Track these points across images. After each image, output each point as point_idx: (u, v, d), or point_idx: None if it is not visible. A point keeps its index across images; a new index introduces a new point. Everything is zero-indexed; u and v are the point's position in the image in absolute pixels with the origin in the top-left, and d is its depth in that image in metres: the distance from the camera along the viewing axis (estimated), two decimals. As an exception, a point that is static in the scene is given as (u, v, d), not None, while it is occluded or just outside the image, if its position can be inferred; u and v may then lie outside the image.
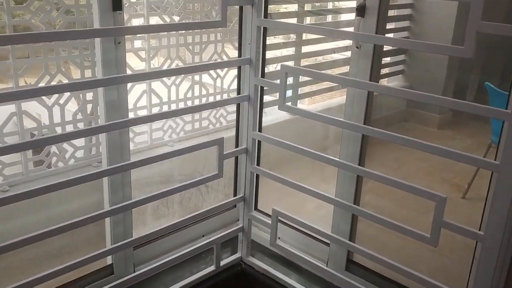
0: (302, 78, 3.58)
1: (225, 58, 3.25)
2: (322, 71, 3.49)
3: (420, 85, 4.08)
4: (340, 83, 1.90)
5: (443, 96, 4.04)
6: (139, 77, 2.13)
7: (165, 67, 2.97)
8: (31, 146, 1.70)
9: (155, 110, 2.97)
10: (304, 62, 3.89)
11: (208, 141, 1.93)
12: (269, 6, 2.03)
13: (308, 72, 1.97)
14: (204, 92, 3.24)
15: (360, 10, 1.79)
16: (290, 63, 3.58)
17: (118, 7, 1.66)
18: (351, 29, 2.00)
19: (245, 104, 2.05)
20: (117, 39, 1.69)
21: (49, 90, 1.77)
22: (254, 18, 1.91)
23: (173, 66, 2.96)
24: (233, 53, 3.33)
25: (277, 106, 1.88)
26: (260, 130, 2.15)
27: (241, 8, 2.01)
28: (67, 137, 1.76)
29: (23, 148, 1.90)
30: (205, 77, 3.23)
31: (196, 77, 3.18)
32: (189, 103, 3.17)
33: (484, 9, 1.36)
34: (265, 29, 2.00)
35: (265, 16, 1.95)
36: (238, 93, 2.17)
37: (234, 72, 3.04)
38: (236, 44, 2.77)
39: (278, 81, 1.87)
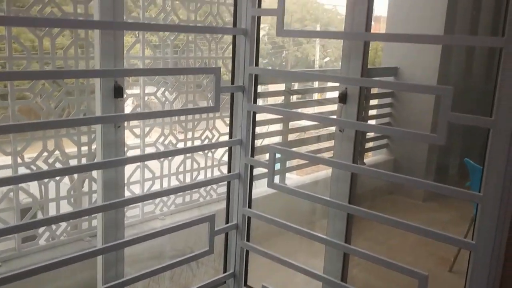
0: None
1: (216, 134, 3.39)
2: (308, 150, 3.65)
3: (404, 159, 4.24)
4: (325, 164, 2.02)
5: (427, 169, 4.17)
6: (137, 159, 2.24)
7: (159, 143, 3.08)
8: (27, 228, 1.76)
9: (148, 184, 3.05)
10: (292, 135, 4.05)
11: (199, 218, 2.00)
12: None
13: (294, 153, 2.10)
14: (195, 166, 3.34)
15: (342, 98, 1.95)
16: (278, 138, 3.74)
17: (119, 95, 1.80)
18: (335, 106, 2.14)
19: (236, 181, 2.15)
20: (117, 123, 1.82)
21: (50, 174, 1.86)
22: (245, 103, 2.06)
23: (166, 142, 3.08)
24: (223, 128, 3.47)
25: (266, 179, 1.98)
26: (250, 206, 2.23)
27: (232, 94, 2.16)
28: (64, 218, 1.83)
29: (19, 230, 1.95)
30: (197, 155, 3.35)
31: (188, 154, 3.29)
32: (181, 177, 3.25)
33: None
34: (254, 114, 2.14)
35: (255, 101, 2.10)
36: (229, 171, 2.27)
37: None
38: (226, 120, 2.91)
39: (267, 159, 1.98)
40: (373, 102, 4.21)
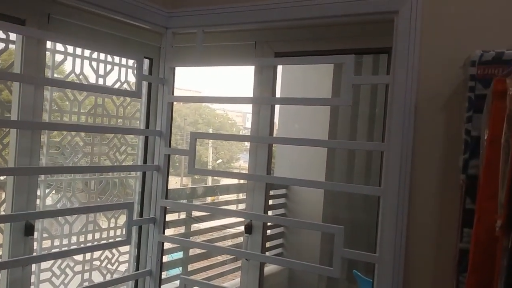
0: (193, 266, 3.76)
1: (116, 253, 3.32)
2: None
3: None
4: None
5: (319, 278, 4.40)
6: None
7: (55, 267, 2.94)
8: None
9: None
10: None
11: None
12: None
13: (206, 284, 2.19)
14: (93, 289, 3.20)
15: (248, 229, 2.13)
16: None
17: (30, 233, 1.78)
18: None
19: (144, 314, 2.15)
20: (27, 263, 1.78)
21: None
22: (156, 234, 2.14)
23: (63, 265, 2.96)
24: (124, 247, 3.42)
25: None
26: (157, 337, 2.22)
27: (140, 226, 2.23)
28: None
29: None
30: (96, 275, 3.23)
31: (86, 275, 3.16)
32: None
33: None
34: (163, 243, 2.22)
35: (163, 232, 2.19)
36: (136, 302, 2.26)
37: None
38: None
39: None
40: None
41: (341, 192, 3.74)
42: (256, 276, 2.12)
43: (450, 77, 1.59)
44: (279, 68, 3.47)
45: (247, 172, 2.17)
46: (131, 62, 2.56)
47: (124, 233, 1.98)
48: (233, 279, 4.04)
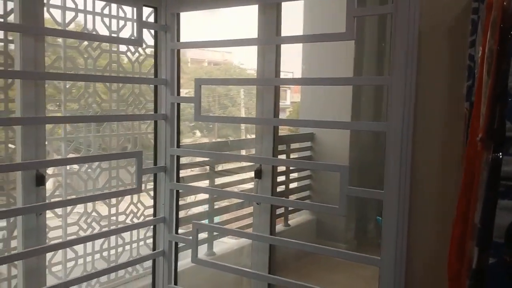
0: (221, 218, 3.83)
1: (141, 208, 3.41)
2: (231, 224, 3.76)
3: (325, 218, 4.46)
4: (245, 237, 2.15)
5: (347, 226, 4.37)
6: (60, 246, 2.22)
7: (82, 221, 3.05)
8: None
9: (70, 264, 2.98)
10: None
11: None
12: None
13: (217, 228, 2.22)
14: (120, 241, 3.31)
15: (257, 174, 2.12)
16: (205, 206, 3.82)
17: (41, 183, 1.84)
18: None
19: (161, 259, 2.20)
20: (39, 211, 1.84)
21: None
22: (167, 182, 2.17)
23: (89, 220, 3.06)
24: (149, 201, 3.51)
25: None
26: (176, 282, 2.28)
27: (155, 174, 2.26)
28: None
29: None
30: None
31: (113, 226, 3.26)
32: (106, 254, 3.21)
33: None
34: (177, 191, 2.25)
35: (177, 180, 2.22)
36: (154, 248, 2.32)
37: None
38: (151, 193, 2.98)
39: (190, 237, 2.07)
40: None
41: (367, 134, 3.69)
42: (267, 221, 2.13)
43: (454, 1, 1.49)
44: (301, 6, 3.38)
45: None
46: (145, 17, 2.54)
47: (134, 181, 2.01)
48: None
